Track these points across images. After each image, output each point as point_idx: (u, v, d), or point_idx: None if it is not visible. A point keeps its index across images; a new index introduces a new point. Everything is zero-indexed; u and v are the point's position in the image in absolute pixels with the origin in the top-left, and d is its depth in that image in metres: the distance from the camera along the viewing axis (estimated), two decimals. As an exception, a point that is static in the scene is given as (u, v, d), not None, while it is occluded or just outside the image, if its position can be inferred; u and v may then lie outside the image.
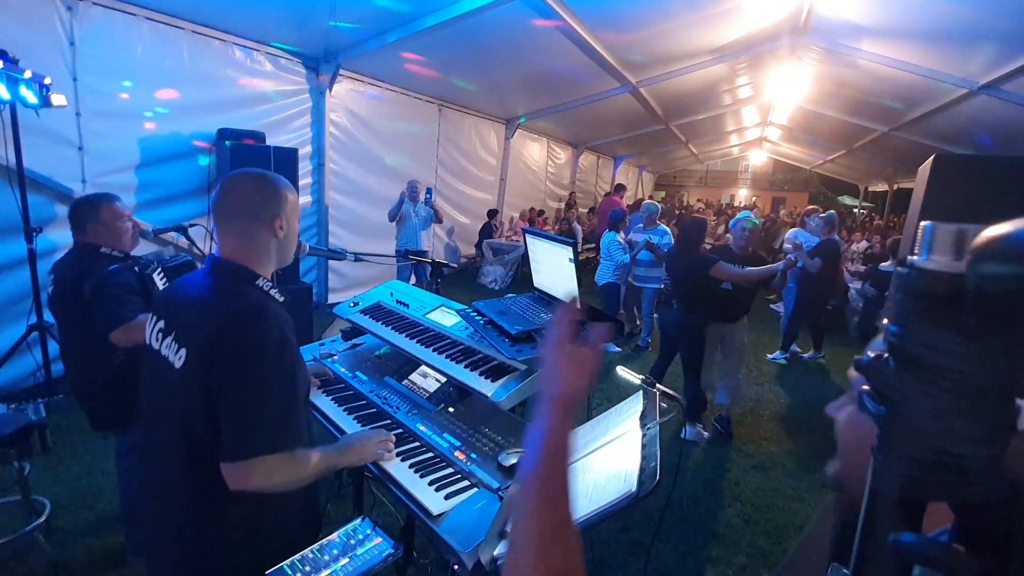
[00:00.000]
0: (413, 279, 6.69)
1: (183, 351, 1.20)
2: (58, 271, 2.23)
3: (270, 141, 5.28)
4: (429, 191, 6.68)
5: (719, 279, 3.87)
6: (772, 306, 8.66)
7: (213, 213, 1.31)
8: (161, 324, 1.29)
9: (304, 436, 1.23)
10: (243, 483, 1.15)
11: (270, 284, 1.30)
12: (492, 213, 9.87)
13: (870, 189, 19.21)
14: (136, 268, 2.22)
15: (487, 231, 9.66)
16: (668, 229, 6.08)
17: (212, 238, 1.44)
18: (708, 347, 4.26)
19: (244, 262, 1.28)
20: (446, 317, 2.15)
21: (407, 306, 2.31)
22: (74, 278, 2.12)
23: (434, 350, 1.93)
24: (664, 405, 1.49)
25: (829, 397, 0.60)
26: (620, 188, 10.50)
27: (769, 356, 6.19)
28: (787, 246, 6.40)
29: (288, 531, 1.35)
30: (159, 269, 2.28)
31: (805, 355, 6.28)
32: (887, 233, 10.74)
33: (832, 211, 6.45)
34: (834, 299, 6.26)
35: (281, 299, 1.31)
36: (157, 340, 1.29)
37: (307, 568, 1.25)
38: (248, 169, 1.36)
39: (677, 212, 14.67)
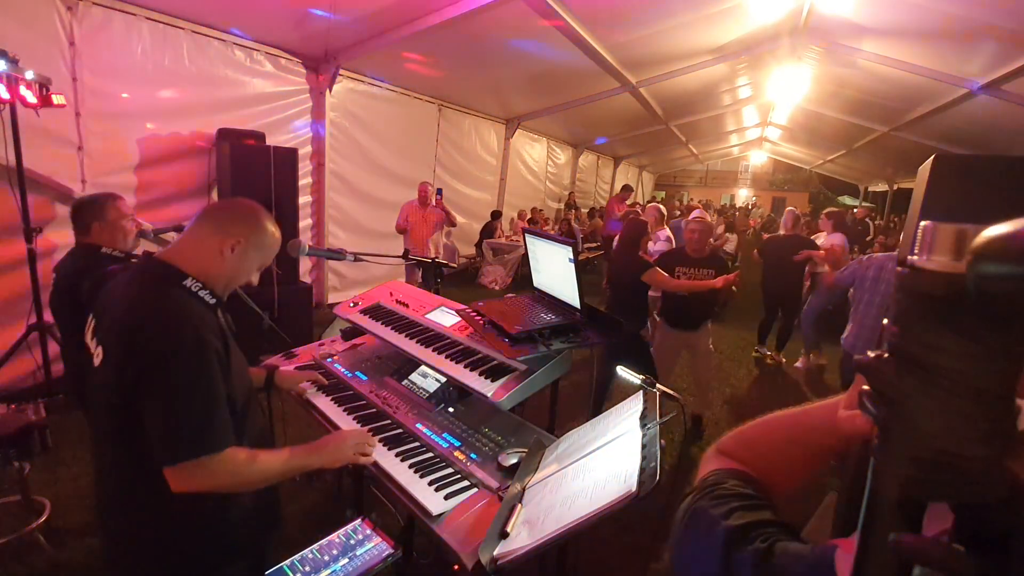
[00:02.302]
0: (419, 277, 6.55)
1: (100, 349, 1.21)
2: (59, 271, 2.23)
3: (270, 141, 5.28)
4: (439, 191, 6.29)
5: (652, 285, 3.61)
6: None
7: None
8: (94, 322, 1.29)
9: (231, 435, 1.20)
10: (183, 486, 1.15)
11: (199, 285, 1.25)
12: (496, 214, 9.87)
13: (870, 189, 19.21)
14: None
15: (487, 231, 9.66)
16: (669, 235, 5.66)
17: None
18: (669, 354, 4.01)
19: (176, 262, 1.26)
20: (446, 317, 2.15)
21: (407, 306, 2.31)
22: (72, 278, 2.12)
23: (434, 350, 1.93)
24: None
25: (826, 397, 0.61)
26: (627, 189, 10.45)
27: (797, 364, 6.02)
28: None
29: (243, 533, 1.32)
30: None
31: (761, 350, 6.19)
32: (888, 232, 10.75)
33: (792, 208, 6.30)
34: (796, 294, 5.95)
35: (212, 301, 1.27)
36: (89, 336, 1.28)
37: (307, 568, 1.25)
38: (254, 203, 1.39)
39: (678, 213, 14.67)
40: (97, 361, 1.21)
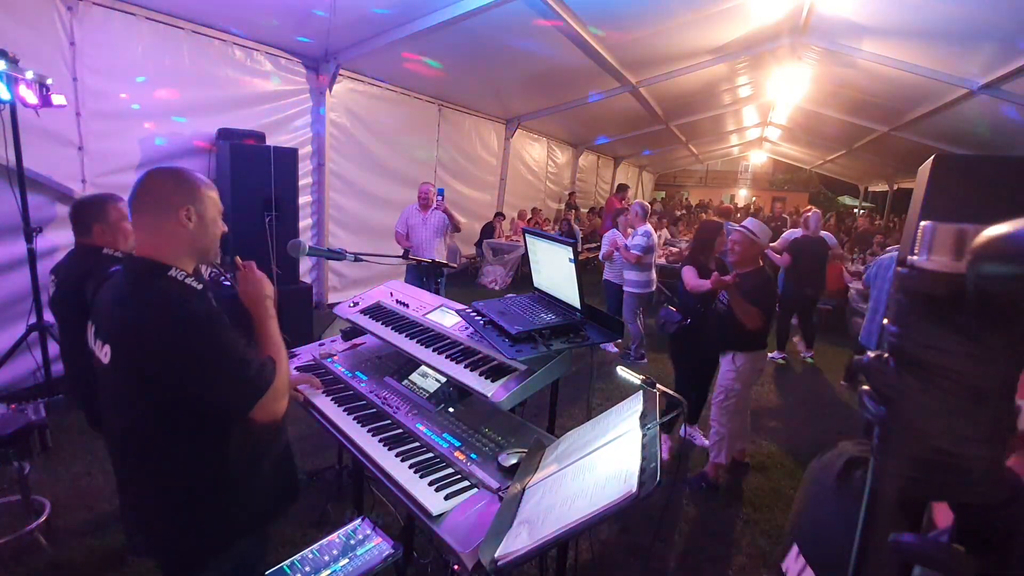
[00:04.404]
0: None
1: (107, 347, 1.25)
2: (60, 273, 2.22)
3: (270, 141, 5.28)
4: (440, 192, 5.78)
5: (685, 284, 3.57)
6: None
7: (129, 208, 1.32)
8: (93, 327, 1.34)
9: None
10: (266, 418, 1.25)
11: (184, 274, 1.28)
12: (498, 216, 9.86)
13: (870, 189, 19.20)
14: None
15: (488, 231, 9.66)
16: (650, 231, 5.44)
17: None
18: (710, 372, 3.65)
19: (154, 256, 1.27)
20: (446, 317, 2.15)
21: (407, 306, 2.31)
22: (76, 280, 2.11)
23: (434, 350, 1.93)
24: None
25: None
26: (622, 188, 10.43)
27: (768, 355, 6.24)
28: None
29: (259, 502, 1.37)
30: None
31: (802, 354, 6.35)
32: (888, 232, 10.75)
33: (815, 210, 6.56)
34: (820, 297, 6.32)
35: (199, 287, 1.30)
36: (92, 341, 1.33)
37: (307, 568, 1.25)
38: (164, 165, 1.38)
39: (679, 213, 14.67)
40: (106, 359, 1.24)
